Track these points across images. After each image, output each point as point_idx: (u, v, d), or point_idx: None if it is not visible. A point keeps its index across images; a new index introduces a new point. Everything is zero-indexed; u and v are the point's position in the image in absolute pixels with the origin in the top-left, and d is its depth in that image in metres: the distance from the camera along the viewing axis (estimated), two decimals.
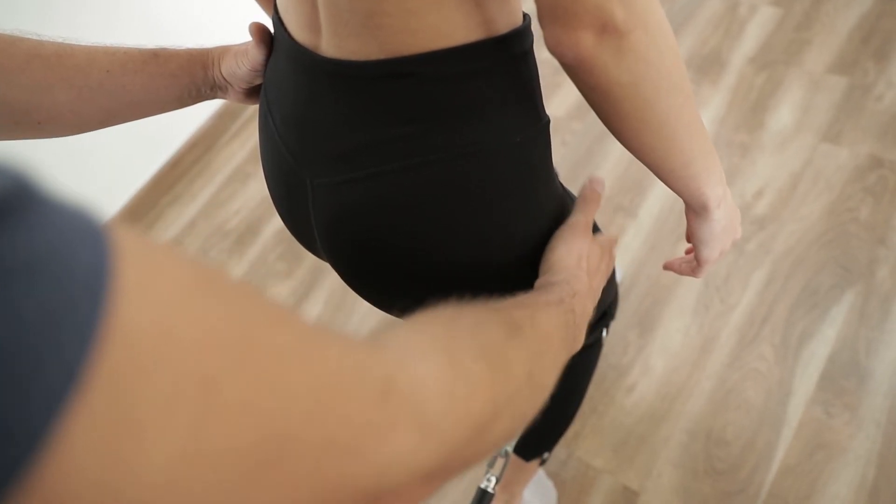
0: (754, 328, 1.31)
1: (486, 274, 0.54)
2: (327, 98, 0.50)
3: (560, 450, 1.29)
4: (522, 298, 0.45)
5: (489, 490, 0.86)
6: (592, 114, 1.76)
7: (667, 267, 0.71)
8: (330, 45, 0.48)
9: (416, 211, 0.50)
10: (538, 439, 0.99)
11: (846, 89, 1.56)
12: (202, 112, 2.38)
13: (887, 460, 1.09)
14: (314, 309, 1.72)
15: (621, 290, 1.45)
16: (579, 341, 0.48)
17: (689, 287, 1.40)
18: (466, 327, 0.32)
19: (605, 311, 0.85)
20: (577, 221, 0.57)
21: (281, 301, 1.58)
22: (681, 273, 0.69)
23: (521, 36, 0.49)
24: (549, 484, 1.25)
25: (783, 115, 1.57)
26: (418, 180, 0.49)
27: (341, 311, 1.69)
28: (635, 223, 1.54)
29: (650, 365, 1.34)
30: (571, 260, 0.53)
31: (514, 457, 1.02)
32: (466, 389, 0.27)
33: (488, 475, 0.87)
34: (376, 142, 0.49)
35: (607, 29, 0.39)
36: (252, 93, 0.66)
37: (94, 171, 2.14)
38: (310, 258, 1.83)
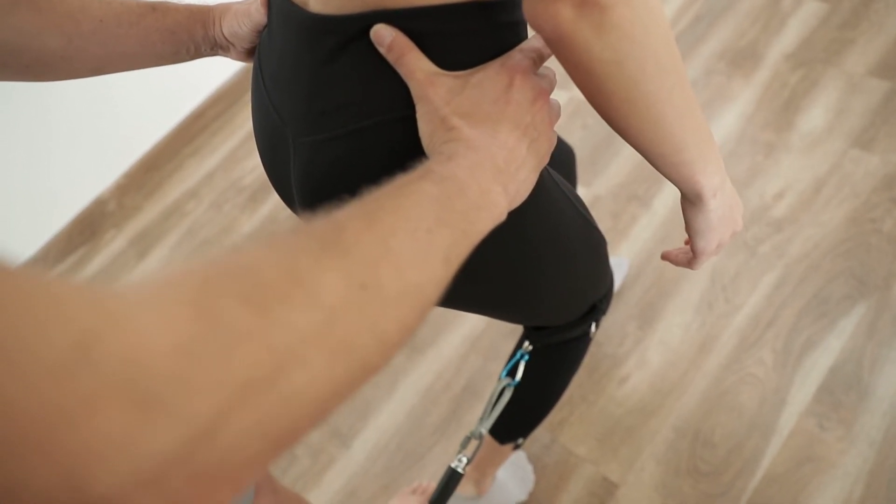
0: (757, 331, 1.27)
1: None
2: (311, 55, 0.49)
3: (544, 434, 1.28)
4: (372, 193, 0.37)
5: (459, 470, 0.86)
6: None
7: (664, 257, 0.69)
8: (318, 1, 0.48)
9: (394, 167, 0.49)
10: (513, 425, 0.98)
11: (886, 94, 1.48)
12: (228, 68, 2.38)
13: (877, 480, 1.05)
14: None
15: (627, 280, 1.42)
16: (492, 205, 0.41)
17: (695, 283, 1.36)
18: (238, 267, 0.25)
19: (594, 305, 0.83)
20: (510, 55, 0.47)
21: None
22: (677, 264, 0.67)
23: (508, 5, 0.47)
24: (529, 468, 1.24)
25: (815, 115, 1.51)
26: (396, 135, 0.48)
27: None
28: (648, 213, 1.50)
29: (646, 358, 1.31)
30: (485, 94, 0.45)
31: (488, 437, 1.01)
32: (217, 341, 0.21)
33: (460, 455, 0.86)
34: (356, 99, 0.48)
35: (587, 2, 0.37)
36: (253, 52, 0.65)
37: (117, 118, 2.15)
38: None
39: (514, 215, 0.51)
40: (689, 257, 0.64)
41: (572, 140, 1.70)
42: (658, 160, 0.49)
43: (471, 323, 1.48)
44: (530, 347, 0.88)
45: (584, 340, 0.90)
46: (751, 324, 1.28)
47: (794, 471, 1.11)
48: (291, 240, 0.29)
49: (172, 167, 2.29)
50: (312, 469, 1.40)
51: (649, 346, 1.32)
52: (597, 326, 0.87)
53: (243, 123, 2.33)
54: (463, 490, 1.11)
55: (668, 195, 1.51)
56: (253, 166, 2.16)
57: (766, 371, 1.22)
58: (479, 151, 0.42)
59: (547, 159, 0.49)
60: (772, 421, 1.17)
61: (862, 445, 1.09)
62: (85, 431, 0.17)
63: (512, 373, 0.89)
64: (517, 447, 1.02)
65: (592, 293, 0.79)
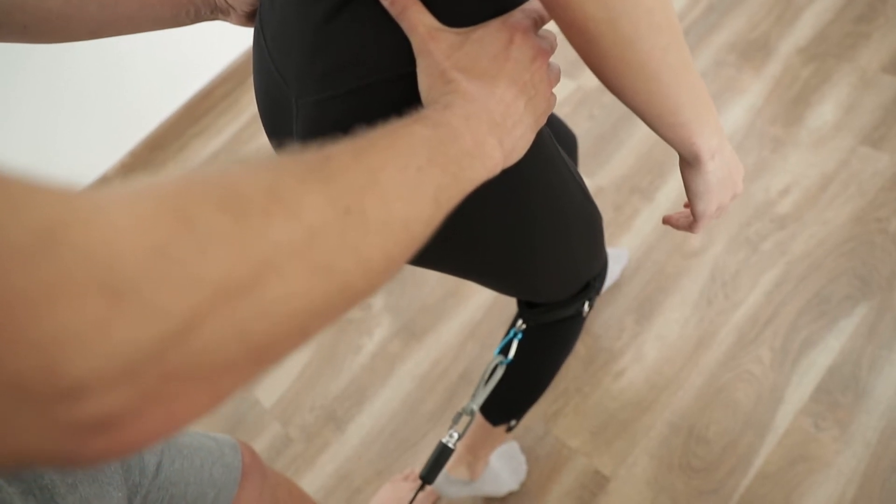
0: (756, 329, 1.26)
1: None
2: (312, 13, 0.49)
3: (538, 425, 1.28)
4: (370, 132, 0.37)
5: (450, 446, 0.85)
6: None
7: (666, 221, 0.68)
8: None
9: None
10: (506, 405, 0.97)
11: None
12: (235, 47, 2.36)
13: (870, 481, 1.05)
14: None
15: (626, 274, 1.41)
16: (486, 156, 0.41)
17: (695, 278, 1.35)
18: (218, 180, 0.24)
19: (587, 283, 0.82)
20: (511, 14, 0.47)
21: None
22: (678, 227, 0.66)
23: None
24: (522, 458, 1.24)
25: (825, 111, 1.48)
26: (398, 93, 0.48)
27: None
28: (650, 206, 1.48)
29: (643, 352, 1.30)
30: (485, 50, 0.45)
31: (481, 419, 1.00)
32: (194, 243, 0.21)
33: (451, 431, 0.86)
34: (358, 57, 0.48)
35: None
36: (253, 16, 0.64)
37: (123, 98, 2.15)
38: None
39: (513, 176, 0.51)
40: (689, 221, 0.64)
41: (578, 130, 1.68)
42: (655, 121, 0.49)
43: (469, 311, 1.48)
44: (524, 326, 0.88)
45: (577, 320, 0.89)
46: (750, 321, 1.27)
47: (788, 469, 1.10)
48: (276, 162, 0.28)
49: (178, 147, 2.29)
50: (307, 452, 1.41)
51: (646, 341, 1.31)
52: (590, 306, 0.86)
53: (249, 105, 2.32)
54: (456, 473, 1.11)
55: (673, 188, 1.49)
56: (258, 147, 2.16)
57: (764, 369, 1.21)
58: (475, 103, 0.42)
59: (544, 120, 0.49)
60: (767, 419, 1.16)
61: (857, 446, 1.09)
62: (51, 318, 0.17)
63: (505, 351, 0.89)
64: (510, 429, 1.01)
65: (586, 269, 0.78)
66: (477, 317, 1.46)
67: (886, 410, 1.10)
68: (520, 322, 0.88)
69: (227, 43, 2.34)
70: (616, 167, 1.58)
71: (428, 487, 1.26)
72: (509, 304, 1.46)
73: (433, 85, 0.44)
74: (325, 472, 1.37)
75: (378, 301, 1.58)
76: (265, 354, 0.24)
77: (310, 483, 1.36)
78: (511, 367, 0.89)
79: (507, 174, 0.54)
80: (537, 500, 1.20)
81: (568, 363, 1.33)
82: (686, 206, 0.68)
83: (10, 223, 0.17)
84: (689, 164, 0.55)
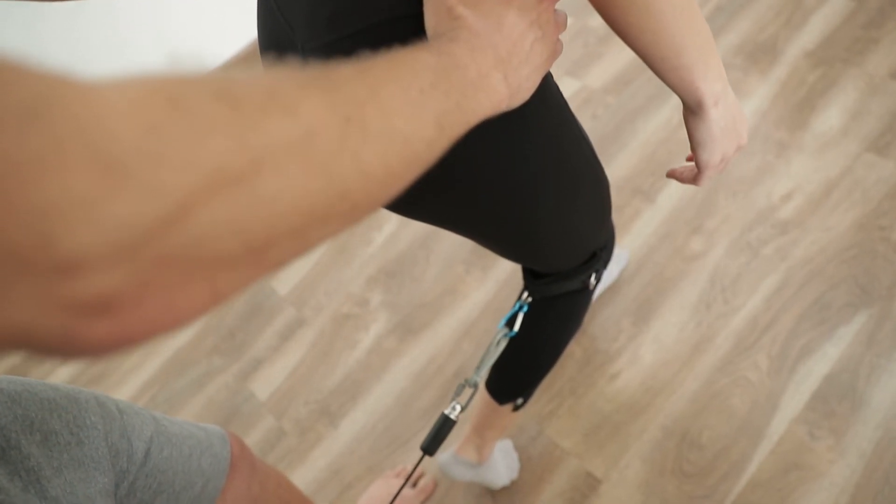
0: (754, 335, 1.25)
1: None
2: None
3: (531, 425, 1.27)
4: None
5: (452, 417, 0.85)
6: (628, 89, 1.68)
7: (670, 174, 0.68)
8: None
9: None
10: (511, 382, 0.96)
11: None
12: (242, 37, 2.36)
13: (863, 492, 1.04)
14: (316, 249, 1.72)
15: (625, 275, 1.40)
16: (491, 89, 0.41)
17: (694, 282, 1.34)
18: (217, 77, 0.24)
19: (594, 254, 0.81)
20: None
21: None
22: (682, 181, 0.66)
23: None
24: (515, 456, 1.23)
25: (831, 116, 1.47)
26: (404, 33, 0.49)
27: (343, 256, 1.68)
28: (652, 208, 1.47)
29: (639, 355, 1.29)
30: None
31: (487, 398, 0.99)
32: (189, 127, 0.20)
33: (453, 403, 0.85)
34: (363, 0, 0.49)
35: None
36: None
37: None
38: None
39: (519, 120, 0.51)
40: (694, 173, 0.63)
41: None
42: (659, 64, 0.50)
43: (466, 309, 1.47)
44: (529, 299, 0.86)
45: (583, 294, 0.88)
46: (748, 326, 1.26)
47: (781, 478, 1.10)
48: (275, 70, 0.28)
49: None
50: (299, 446, 1.40)
51: (643, 344, 1.30)
52: (597, 279, 0.85)
53: None
54: (464, 454, 1.09)
55: (674, 191, 1.48)
56: None
57: (760, 375, 1.20)
58: (481, 38, 0.42)
59: (550, 64, 0.49)
60: (762, 426, 1.15)
61: (851, 457, 1.08)
62: (43, 187, 0.17)
63: (510, 323, 0.88)
64: (517, 408, 1.00)
65: (592, 238, 0.77)
66: (473, 315, 1.46)
67: (883, 421, 1.09)
68: (525, 295, 0.86)
69: (231, 32, 2.34)
70: (618, 168, 1.57)
71: (421, 483, 1.26)
72: (506, 303, 1.45)
73: (439, 22, 0.44)
74: (317, 467, 1.37)
75: (375, 297, 1.57)
76: (263, 254, 0.24)
77: (301, 477, 1.36)
78: (516, 341, 0.88)
79: (513, 118, 0.53)
80: (529, 499, 1.20)
81: (563, 363, 1.33)
82: (689, 158, 0.68)
83: (1, 94, 0.17)
84: (692, 111, 0.55)
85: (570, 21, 1.84)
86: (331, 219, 0.27)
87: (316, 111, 0.26)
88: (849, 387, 1.14)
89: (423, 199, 0.62)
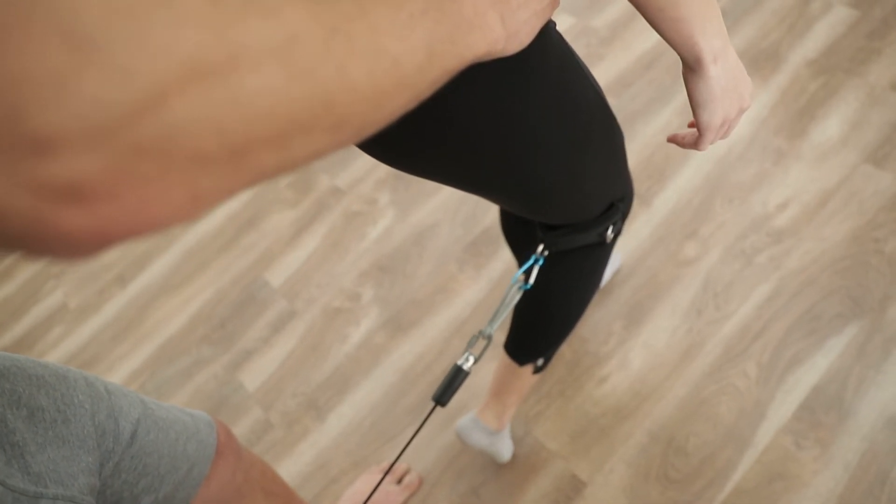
0: (744, 343, 1.24)
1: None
2: None
3: (518, 426, 1.27)
4: None
5: (464, 368, 0.84)
6: (629, 91, 1.67)
7: (670, 139, 0.66)
8: None
9: None
10: (529, 341, 0.94)
11: None
12: None
13: None
14: (311, 242, 1.71)
15: (618, 278, 1.39)
16: (487, 27, 0.40)
17: (687, 288, 1.34)
18: None
19: (611, 204, 0.78)
20: None
21: (279, 231, 1.55)
22: (683, 145, 0.64)
23: None
24: (510, 443, 1.22)
25: (830, 126, 1.46)
26: None
27: (337, 250, 1.68)
28: (648, 212, 1.47)
29: (629, 359, 1.29)
30: None
31: (507, 361, 0.97)
32: (165, 14, 0.19)
33: (466, 354, 0.84)
34: None
35: None
36: None
37: None
38: (318, 191, 1.81)
39: (523, 65, 0.50)
40: (695, 137, 0.62)
41: None
42: (657, 16, 0.49)
43: (457, 308, 1.47)
44: (545, 252, 0.84)
45: (600, 249, 0.86)
46: (738, 334, 1.26)
47: (765, 487, 1.10)
48: None
49: None
50: (286, 439, 1.40)
51: (633, 348, 1.30)
52: (614, 233, 0.82)
53: None
54: (485, 419, 1.07)
55: (671, 196, 1.47)
56: None
57: (749, 383, 1.20)
58: None
59: (550, 11, 0.48)
60: (748, 434, 1.15)
61: (836, 468, 1.08)
62: (10, 59, 0.17)
63: (525, 276, 0.86)
64: (537, 370, 0.98)
65: (607, 188, 0.74)
66: (464, 314, 1.45)
67: (869, 433, 1.09)
68: (541, 247, 0.84)
69: None
70: None
71: (406, 479, 1.26)
72: (498, 303, 1.45)
73: None
74: (302, 460, 1.36)
75: (368, 292, 1.57)
76: (243, 157, 0.23)
77: (287, 469, 1.36)
78: (533, 298, 0.86)
79: (512, 66, 0.51)
80: (513, 499, 1.20)
81: (552, 365, 1.33)
82: (691, 124, 0.66)
83: None
84: (691, 69, 0.54)
85: (571, 22, 1.83)
86: (314, 130, 0.26)
87: (300, 17, 0.25)
88: (836, 398, 1.14)
89: (424, 153, 0.60)
